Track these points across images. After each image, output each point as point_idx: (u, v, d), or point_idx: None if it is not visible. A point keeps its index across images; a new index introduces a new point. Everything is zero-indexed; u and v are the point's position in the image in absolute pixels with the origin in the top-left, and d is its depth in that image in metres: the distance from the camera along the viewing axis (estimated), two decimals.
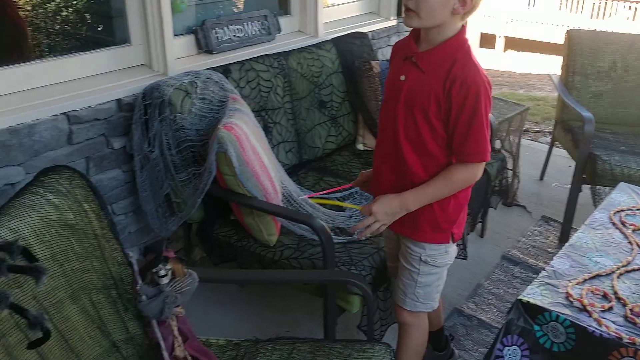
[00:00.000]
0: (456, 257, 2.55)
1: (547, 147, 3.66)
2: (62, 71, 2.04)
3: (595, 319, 1.41)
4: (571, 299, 1.49)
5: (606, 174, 2.70)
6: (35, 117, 1.84)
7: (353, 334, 2.13)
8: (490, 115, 2.87)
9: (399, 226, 1.61)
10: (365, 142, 2.81)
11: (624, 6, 9.44)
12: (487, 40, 9.62)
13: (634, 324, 1.41)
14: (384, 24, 3.42)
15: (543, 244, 2.94)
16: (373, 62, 2.74)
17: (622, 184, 2.21)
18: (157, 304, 1.44)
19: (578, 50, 3.26)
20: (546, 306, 1.46)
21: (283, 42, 2.72)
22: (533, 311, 1.47)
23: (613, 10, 9.53)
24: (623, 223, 1.89)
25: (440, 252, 1.63)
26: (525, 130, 4.20)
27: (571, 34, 3.31)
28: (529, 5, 10.15)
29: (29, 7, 3.43)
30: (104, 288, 1.41)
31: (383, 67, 2.71)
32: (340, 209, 2.15)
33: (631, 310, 1.45)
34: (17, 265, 1.07)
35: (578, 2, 9.81)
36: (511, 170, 3.18)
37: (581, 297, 1.49)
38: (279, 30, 2.76)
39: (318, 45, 2.76)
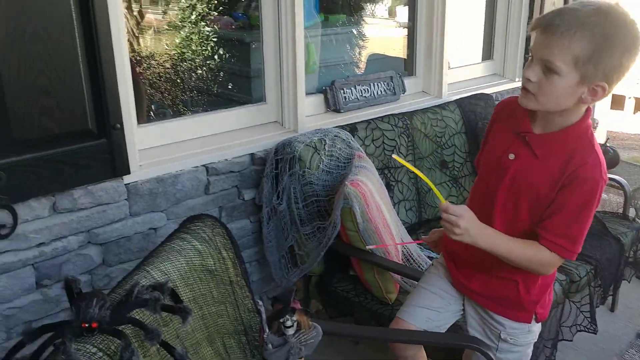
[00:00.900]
0: (585, 331, 2.41)
1: None
2: (203, 126, 2.21)
3: None
4: None
5: None
6: (180, 168, 2.01)
7: None
8: (623, 180, 2.74)
9: (477, 296, 1.53)
10: None
11: None
12: (617, 102, 9.12)
13: None
14: (509, 85, 3.38)
15: None
16: None
17: None
18: (282, 354, 1.48)
19: None
20: None
21: (408, 102, 2.78)
22: None
23: None
24: None
25: (523, 330, 1.52)
26: None
27: None
28: None
29: (168, 65, 3.79)
30: (235, 333, 1.48)
31: None
32: None
33: None
34: (168, 304, 1.16)
35: None
36: None
37: None
38: (403, 90, 2.83)
39: (442, 106, 2.79)
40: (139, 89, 2.33)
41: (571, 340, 2.38)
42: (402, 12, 3.43)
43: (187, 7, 3.54)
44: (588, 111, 1.34)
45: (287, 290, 1.90)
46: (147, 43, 3.78)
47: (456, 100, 2.86)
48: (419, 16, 2.88)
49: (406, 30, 3.04)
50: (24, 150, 1.58)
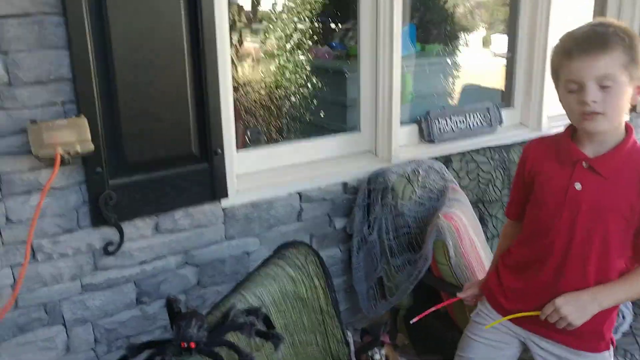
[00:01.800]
0: None
1: None
2: (299, 153, 2.25)
3: None
4: None
5: None
6: (274, 194, 2.05)
7: None
8: None
9: (554, 333, 1.46)
10: None
11: None
12: None
13: None
14: None
15: None
16: None
17: None
18: None
19: None
20: None
21: (504, 135, 2.69)
22: None
23: None
24: None
25: (605, 358, 1.48)
26: None
27: None
28: None
29: (263, 92, 3.92)
30: None
31: None
32: None
33: None
34: (262, 330, 1.18)
35: None
36: None
37: None
38: (500, 122, 2.75)
39: None
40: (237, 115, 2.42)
41: None
42: (497, 42, 3.37)
43: (286, 35, 3.65)
44: (629, 129, 1.38)
45: (377, 323, 1.88)
46: (245, 71, 3.93)
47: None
48: (519, 45, 2.81)
49: (502, 59, 2.97)
50: (134, 172, 1.68)
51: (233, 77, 3.64)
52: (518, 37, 2.81)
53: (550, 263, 1.44)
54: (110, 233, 1.69)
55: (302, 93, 3.59)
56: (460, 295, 1.70)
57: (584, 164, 1.38)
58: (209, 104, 1.76)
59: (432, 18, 3.35)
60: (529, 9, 2.73)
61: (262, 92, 3.91)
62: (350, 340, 1.52)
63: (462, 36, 3.57)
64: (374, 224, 2.12)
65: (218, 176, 1.84)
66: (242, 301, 1.32)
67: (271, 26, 3.82)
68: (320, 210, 2.18)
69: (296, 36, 3.62)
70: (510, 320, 1.55)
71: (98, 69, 1.56)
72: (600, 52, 1.28)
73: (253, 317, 1.17)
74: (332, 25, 3.65)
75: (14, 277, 1.60)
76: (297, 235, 2.13)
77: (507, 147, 2.56)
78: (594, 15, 3.21)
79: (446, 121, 2.58)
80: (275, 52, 3.80)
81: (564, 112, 1.43)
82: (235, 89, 3.66)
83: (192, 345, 1.12)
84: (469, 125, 2.64)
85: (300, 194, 2.11)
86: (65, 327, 1.72)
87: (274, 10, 3.86)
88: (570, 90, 1.34)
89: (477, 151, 2.47)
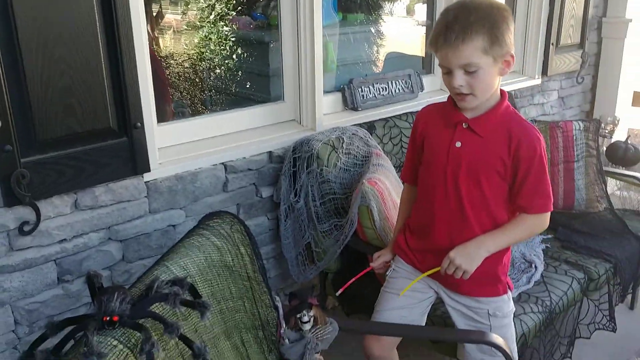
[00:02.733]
0: (604, 329, 2.39)
1: None
2: (222, 125, 2.23)
3: None
4: None
5: None
6: (198, 165, 2.03)
7: None
8: None
9: (457, 286, 1.63)
10: None
11: None
12: (638, 99, 9.00)
13: None
14: (528, 82, 3.36)
15: None
16: None
17: None
18: (298, 349, 1.50)
19: None
20: None
21: (425, 100, 2.77)
22: None
23: None
24: None
25: (504, 301, 1.66)
26: None
27: None
28: None
29: (187, 64, 3.83)
30: (252, 328, 1.50)
31: None
32: None
33: None
34: (187, 299, 1.18)
35: None
36: None
37: None
38: (421, 88, 2.82)
39: None
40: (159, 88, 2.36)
41: (588, 338, 2.38)
42: (421, 11, 3.43)
43: (207, 7, 3.57)
44: (503, 94, 1.55)
45: (304, 287, 1.92)
46: (167, 43, 3.82)
47: None
48: (437, 14, 2.88)
49: (424, 28, 3.04)
50: (47, 149, 1.61)
51: (155, 50, 3.53)
52: (436, 5, 2.89)
53: (442, 220, 1.59)
54: (25, 212, 1.63)
55: (227, 64, 3.53)
56: (372, 264, 1.84)
57: (464, 124, 1.55)
58: (125, 77, 1.70)
59: None
60: None
61: (186, 64, 3.82)
62: (279, 305, 1.55)
63: (387, 5, 3.60)
64: (301, 191, 2.15)
65: (139, 150, 1.80)
66: (167, 273, 1.31)
67: None
68: (246, 180, 2.18)
69: (219, 7, 3.54)
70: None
71: (1, 40, 1.48)
72: (460, 43, 1.39)
73: (178, 287, 1.17)
74: None
75: None
76: (224, 206, 2.13)
77: None
78: None
79: (369, 88, 2.62)
80: (198, 23, 3.71)
81: None
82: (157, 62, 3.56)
83: (115, 318, 1.11)
84: (392, 92, 2.70)
85: (225, 165, 2.10)
86: None
87: None
88: (444, 72, 1.49)
89: (399, 117, 2.53)
